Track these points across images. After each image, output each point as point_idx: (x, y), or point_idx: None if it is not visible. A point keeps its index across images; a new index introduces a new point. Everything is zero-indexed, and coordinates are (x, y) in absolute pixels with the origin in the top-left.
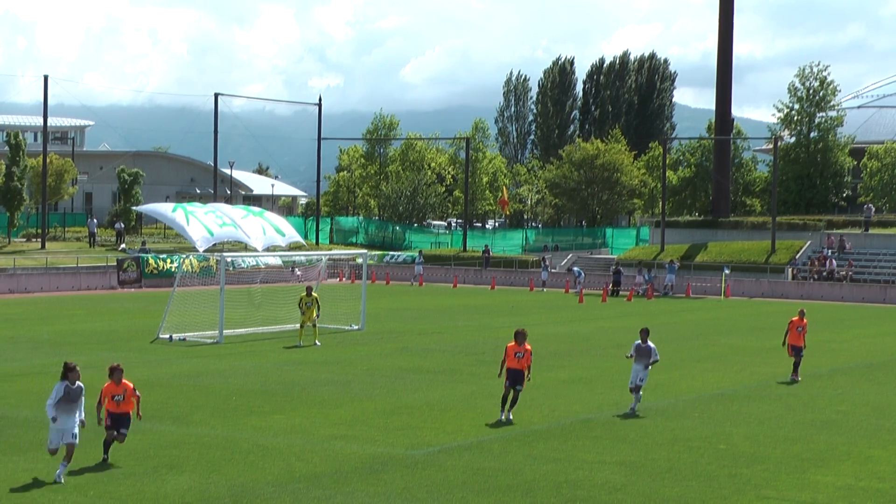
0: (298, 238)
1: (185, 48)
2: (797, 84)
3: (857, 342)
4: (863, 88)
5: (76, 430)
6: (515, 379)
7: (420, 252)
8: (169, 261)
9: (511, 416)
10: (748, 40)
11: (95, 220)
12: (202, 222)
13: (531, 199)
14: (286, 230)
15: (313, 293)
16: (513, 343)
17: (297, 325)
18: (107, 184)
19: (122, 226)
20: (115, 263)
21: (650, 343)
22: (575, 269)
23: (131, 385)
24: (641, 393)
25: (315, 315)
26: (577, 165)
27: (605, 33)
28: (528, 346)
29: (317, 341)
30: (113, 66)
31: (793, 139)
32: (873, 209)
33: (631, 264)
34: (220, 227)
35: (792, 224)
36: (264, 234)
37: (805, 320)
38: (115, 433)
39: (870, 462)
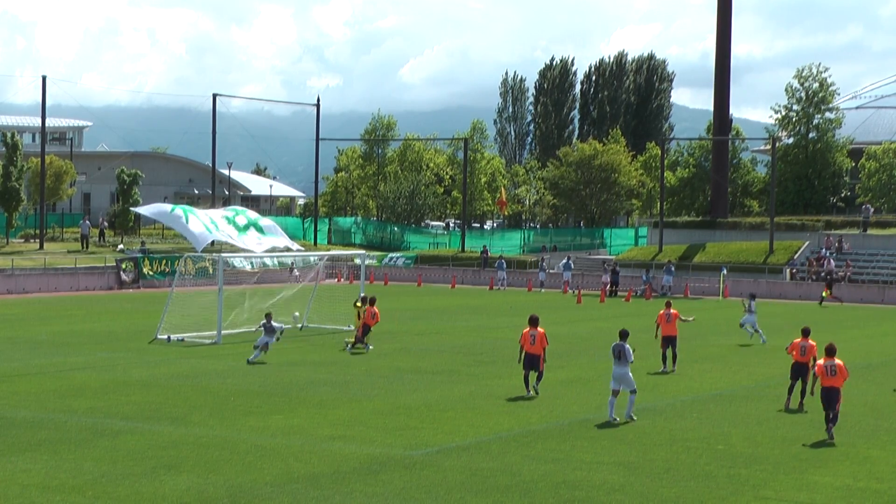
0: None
1: (184, 48)
2: (795, 85)
3: (856, 343)
4: (861, 89)
5: None
6: (532, 363)
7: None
8: (166, 262)
9: (537, 390)
10: (747, 41)
11: (88, 223)
12: (201, 220)
13: (529, 199)
14: (280, 233)
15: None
16: (528, 328)
17: (294, 325)
18: (105, 184)
19: (105, 224)
20: (113, 264)
21: None
22: (498, 262)
23: None
24: None
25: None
26: (575, 166)
27: (604, 34)
28: (541, 330)
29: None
30: (111, 66)
31: (791, 140)
32: (871, 210)
33: (629, 265)
34: (217, 230)
35: (790, 224)
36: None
37: (674, 311)
38: None
39: (868, 462)
